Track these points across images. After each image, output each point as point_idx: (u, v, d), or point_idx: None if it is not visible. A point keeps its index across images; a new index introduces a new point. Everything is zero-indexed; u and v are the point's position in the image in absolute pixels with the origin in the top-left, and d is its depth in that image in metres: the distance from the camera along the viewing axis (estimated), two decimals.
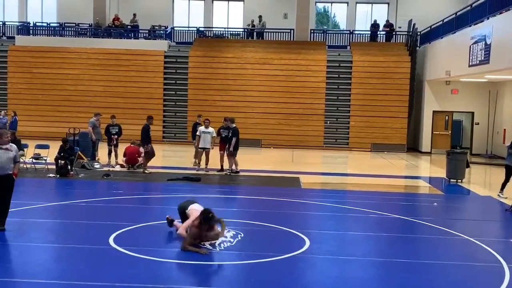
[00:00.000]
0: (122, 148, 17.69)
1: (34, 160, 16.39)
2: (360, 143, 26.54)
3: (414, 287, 6.88)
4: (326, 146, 26.62)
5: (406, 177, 18.75)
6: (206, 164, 17.14)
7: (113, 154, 17.75)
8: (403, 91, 26.59)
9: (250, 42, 29.10)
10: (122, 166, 17.34)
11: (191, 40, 29.49)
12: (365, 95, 26.56)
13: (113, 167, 17.33)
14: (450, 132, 26.68)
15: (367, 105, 26.48)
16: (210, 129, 17.17)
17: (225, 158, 17.00)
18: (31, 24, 30.67)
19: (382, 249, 8.87)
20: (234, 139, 16.58)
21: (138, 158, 17.22)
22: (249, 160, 18.62)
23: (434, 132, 26.54)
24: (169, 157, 21.71)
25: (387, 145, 26.18)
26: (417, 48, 27.89)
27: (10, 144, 8.88)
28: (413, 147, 27.33)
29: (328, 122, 26.91)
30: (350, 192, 14.63)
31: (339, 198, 13.38)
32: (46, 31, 30.19)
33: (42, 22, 31.37)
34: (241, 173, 16.68)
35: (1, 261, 7.49)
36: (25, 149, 16.34)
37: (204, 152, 17.07)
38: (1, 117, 21.81)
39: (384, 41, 29.63)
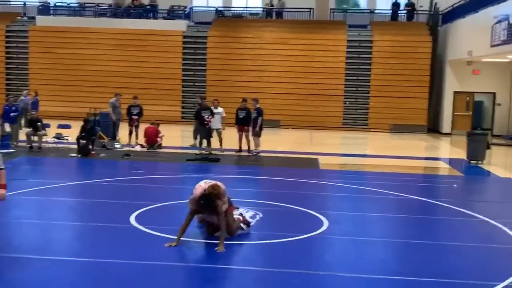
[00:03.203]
0: (142, 128, 17.82)
1: (56, 140, 16.63)
2: (379, 124, 26.37)
3: (433, 268, 6.89)
4: (345, 127, 26.51)
5: (426, 158, 18.65)
6: (220, 144, 17.23)
7: (133, 134, 17.90)
8: (423, 71, 26.29)
9: (269, 22, 28.94)
10: (142, 146, 17.51)
11: (210, 20, 29.41)
12: (385, 75, 26.32)
13: (133, 147, 17.51)
14: (471, 113, 26.36)
15: (387, 86, 26.25)
16: (220, 109, 17.26)
17: (244, 139, 17.05)
18: (52, 5, 30.83)
19: (400, 231, 8.88)
20: (260, 119, 16.60)
21: (157, 139, 17.38)
22: (268, 141, 18.64)
23: (454, 113, 26.24)
24: (188, 137, 21.81)
25: (407, 126, 25.97)
26: (439, 27, 27.49)
27: None
28: (433, 128, 27.08)
29: (348, 102, 26.77)
30: (369, 173, 14.60)
31: (358, 179, 13.37)
32: (66, 11, 30.34)
33: (63, 2, 31.50)
34: (259, 154, 16.72)
35: (25, 238, 7.67)
36: (47, 129, 16.57)
37: (216, 132, 17.15)
38: (23, 97, 22.06)
39: (405, 20, 29.23)
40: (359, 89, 26.77)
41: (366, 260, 7.24)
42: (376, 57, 26.65)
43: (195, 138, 17.98)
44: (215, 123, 17.00)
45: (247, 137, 16.99)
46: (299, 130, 25.54)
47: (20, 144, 16.71)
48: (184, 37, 27.70)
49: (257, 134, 16.78)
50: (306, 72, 26.55)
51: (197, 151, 16.49)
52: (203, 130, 16.68)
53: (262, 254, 7.39)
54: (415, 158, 17.75)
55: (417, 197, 11.32)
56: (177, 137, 21.77)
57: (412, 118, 26.25)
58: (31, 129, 16.16)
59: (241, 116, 16.98)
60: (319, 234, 8.20)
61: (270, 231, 8.21)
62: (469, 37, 23.22)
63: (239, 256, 7.30)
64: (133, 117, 17.84)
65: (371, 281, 6.38)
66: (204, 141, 16.80)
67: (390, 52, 26.45)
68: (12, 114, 16.87)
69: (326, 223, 8.72)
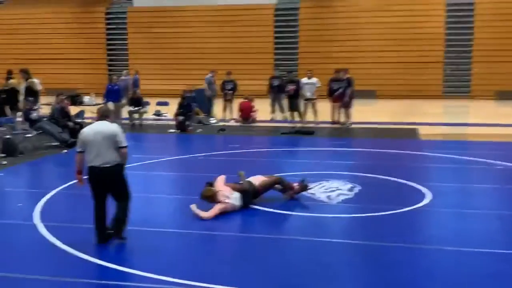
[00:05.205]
0: (236, 103, 18.00)
1: (155, 117, 17.21)
2: (483, 91, 24.95)
3: None
4: (445, 95, 25.35)
5: None
6: (315, 116, 16.97)
7: (228, 109, 18.14)
8: None
9: None
10: (236, 120, 17.72)
11: None
12: (490, 39, 24.74)
13: (228, 122, 17.76)
14: None
15: (492, 50, 24.67)
16: (313, 80, 16.93)
17: (337, 110, 16.74)
18: None
19: (509, 203, 8.36)
20: (349, 90, 16.24)
21: (252, 113, 17.49)
22: (363, 112, 18.22)
23: None
24: None
25: None
26: None
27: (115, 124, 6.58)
28: None
29: (448, 69, 25.54)
30: (473, 143, 13.87)
31: (462, 149, 12.70)
32: None
33: None
34: (355, 126, 16.38)
35: (132, 212, 7.99)
36: (147, 106, 17.19)
37: (309, 103, 16.86)
38: (124, 77, 22.89)
39: None
40: (460, 55, 25.42)
41: (473, 234, 6.88)
42: (479, 21, 25.11)
43: (273, 111, 18.17)
44: (310, 93, 16.72)
45: (340, 108, 16.69)
46: (396, 100, 24.70)
47: (122, 121, 17.47)
48: (276, 9, 27.54)
49: (347, 106, 16.43)
50: (403, 39, 25.53)
51: (291, 124, 16.44)
52: (290, 103, 16.59)
53: (364, 227, 7.21)
54: None
55: None
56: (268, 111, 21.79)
57: None
58: (133, 107, 16.83)
59: (335, 88, 16.67)
60: (422, 207, 7.89)
61: (370, 204, 8.01)
62: None
63: (340, 229, 7.18)
64: (227, 92, 18.06)
65: (478, 255, 6.06)
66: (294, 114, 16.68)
67: (494, 14, 24.79)
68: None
69: (429, 196, 8.37)
